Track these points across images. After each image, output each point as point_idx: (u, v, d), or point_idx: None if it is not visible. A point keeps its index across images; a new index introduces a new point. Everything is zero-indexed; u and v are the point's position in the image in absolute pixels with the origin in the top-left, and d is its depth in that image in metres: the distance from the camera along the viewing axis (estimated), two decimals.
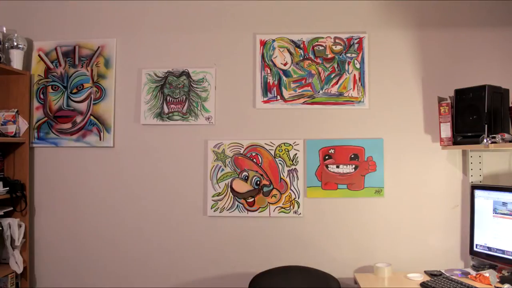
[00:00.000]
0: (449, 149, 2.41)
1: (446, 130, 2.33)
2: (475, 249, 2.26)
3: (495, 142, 2.01)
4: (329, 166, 2.48)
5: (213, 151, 2.52)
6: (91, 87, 2.60)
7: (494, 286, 2.01)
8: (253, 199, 2.49)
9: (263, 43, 2.53)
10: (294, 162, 2.49)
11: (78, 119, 2.60)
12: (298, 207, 2.47)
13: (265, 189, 2.49)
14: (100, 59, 2.60)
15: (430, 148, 2.45)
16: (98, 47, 2.61)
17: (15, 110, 2.53)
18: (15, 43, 2.50)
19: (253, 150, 2.51)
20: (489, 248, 2.19)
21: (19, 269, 2.39)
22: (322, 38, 2.51)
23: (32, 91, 2.62)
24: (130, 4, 2.62)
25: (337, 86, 2.49)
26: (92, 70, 2.61)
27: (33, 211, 2.62)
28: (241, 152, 2.51)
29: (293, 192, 2.48)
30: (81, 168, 2.61)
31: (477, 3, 2.46)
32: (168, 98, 2.56)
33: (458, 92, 2.26)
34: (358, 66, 2.49)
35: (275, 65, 2.53)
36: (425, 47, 2.49)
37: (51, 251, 2.60)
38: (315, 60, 2.51)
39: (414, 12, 2.50)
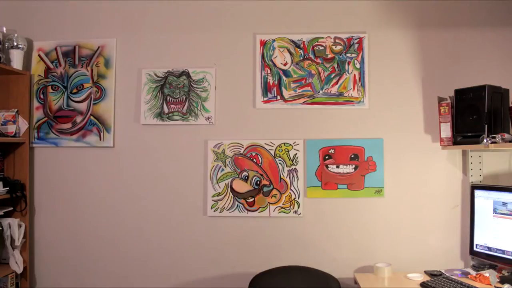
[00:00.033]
0: (449, 149, 2.41)
1: (446, 130, 2.33)
2: (475, 249, 2.26)
3: (495, 142, 2.01)
4: (329, 166, 2.48)
5: (213, 151, 2.52)
6: (91, 87, 2.60)
7: (494, 286, 2.01)
8: (253, 199, 2.49)
9: (263, 43, 2.53)
10: (294, 162, 2.49)
11: (78, 119, 2.60)
12: (298, 207, 2.47)
13: (265, 189, 2.49)
14: (100, 59, 2.60)
15: (430, 148, 2.45)
16: (98, 47, 2.61)
17: (15, 110, 2.53)
18: (15, 43, 2.50)
19: (253, 150, 2.51)
20: (489, 248, 2.19)
21: (19, 269, 2.39)
22: (322, 38, 2.51)
23: (32, 91, 2.62)
24: (130, 4, 2.62)
25: (337, 86, 2.49)
26: (92, 70, 2.61)
27: (33, 211, 2.62)
28: (241, 152, 2.51)
29: (293, 192, 2.48)
30: (81, 168, 2.61)
31: (477, 3, 2.46)
32: (168, 98, 2.56)
33: (458, 92, 2.26)
34: (358, 66, 2.49)
35: (275, 65, 2.53)
36: (425, 47, 2.49)
37: (51, 251, 2.60)
38: (315, 60, 2.51)
39: (414, 12, 2.50)
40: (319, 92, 2.50)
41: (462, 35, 2.47)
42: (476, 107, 2.14)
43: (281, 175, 2.49)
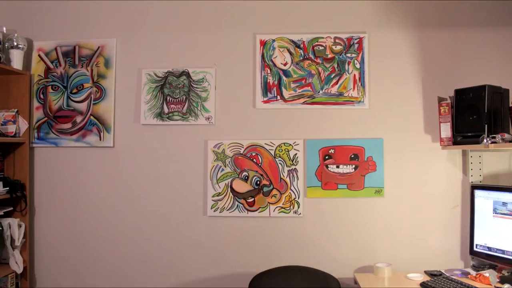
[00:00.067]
0: (449, 149, 2.41)
1: (446, 130, 2.33)
2: (475, 249, 2.26)
3: (495, 142, 2.01)
4: (329, 166, 2.48)
5: (213, 151, 2.52)
6: (91, 87, 2.60)
7: (494, 286, 2.01)
8: (253, 199, 2.49)
9: (263, 43, 2.53)
10: (294, 162, 2.49)
11: (78, 119, 2.60)
12: (298, 207, 2.47)
13: (265, 189, 2.49)
14: (100, 59, 2.60)
15: (430, 148, 2.45)
16: (98, 47, 2.61)
17: (15, 110, 2.53)
18: (15, 43, 2.50)
19: (253, 150, 2.51)
20: (489, 248, 2.19)
21: (19, 269, 2.39)
22: (322, 38, 2.51)
23: (32, 91, 2.62)
24: (130, 4, 2.62)
25: (337, 86, 2.49)
26: (92, 70, 2.61)
27: (33, 211, 2.62)
28: (241, 152, 2.51)
29: (293, 192, 2.48)
30: (81, 168, 2.61)
31: (477, 3, 2.46)
32: (168, 98, 2.56)
33: (458, 92, 2.26)
34: (358, 66, 2.49)
35: (275, 65, 2.53)
36: (425, 47, 2.49)
37: (51, 251, 2.60)
38: (315, 60, 2.51)
39: (414, 12, 2.50)
40: (319, 92, 2.50)
41: (462, 35, 2.47)
42: (476, 107, 2.14)
43: (281, 175, 2.49)
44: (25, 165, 2.53)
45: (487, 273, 2.10)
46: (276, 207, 2.48)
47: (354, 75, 2.49)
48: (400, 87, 2.49)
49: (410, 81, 2.48)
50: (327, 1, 2.53)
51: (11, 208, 2.46)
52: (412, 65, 2.49)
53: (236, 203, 2.50)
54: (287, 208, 2.48)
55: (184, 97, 2.55)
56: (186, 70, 2.56)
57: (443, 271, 2.26)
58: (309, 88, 2.51)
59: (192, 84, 2.55)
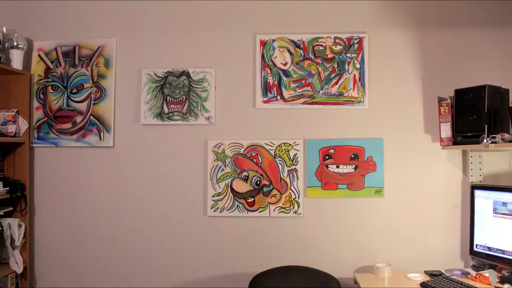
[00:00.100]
0: (449, 149, 2.41)
1: (446, 130, 2.33)
2: (475, 249, 2.26)
3: (495, 142, 2.01)
4: (329, 166, 2.48)
5: (213, 151, 2.52)
6: (91, 87, 2.60)
7: (494, 286, 2.01)
8: (253, 199, 2.49)
9: (263, 43, 2.53)
10: (294, 162, 2.49)
11: (78, 119, 2.60)
12: (298, 207, 2.47)
13: (265, 189, 2.49)
14: (100, 59, 2.60)
15: (430, 148, 2.45)
16: (98, 47, 2.61)
17: (15, 110, 2.53)
18: (15, 43, 2.50)
19: (253, 150, 2.51)
20: (489, 248, 2.19)
21: (19, 269, 2.39)
22: (322, 38, 2.51)
23: (32, 91, 2.62)
24: (130, 4, 2.62)
25: (337, 86, 2.49)
26: (92, 70, 2.61)
27: (33, 211, 2.62)
28: (241, 152, 2.51)
29: (293, 192, 2.48)
30: (81, 168, 2.61)
31: (477, 3, 2.46)
32: (168, 98, 2.56)
33: (458, 92, 2.26)
34: (358, 66, 2.49)
35: (275, 65, 2.53)
36: (425, 47, 2.49)
37: (51, 251, 2.60)
38: (315, 60, 2.51)
39: (414, 12, 2.50)
40: (319, 92, 2.50)
41: (462, 35, 2.47)
42: (476, 107, 2.14)
43: (281, 175, 2.49)
44: (25, 165, 2.53)
45: (487, 273, 2.10)
46: (276, 207, 2.48)
47: (354, 75, 2.49)
48: (400, 87, 2.49)
49: (410, 81, 2.48)
50: (327, 1, 2.53)
51: (11, 208, 2.46)
52: (412, 65, 2.49)
53: (236, 203, 2.50)
54: (287, 208, 2.48)
55: (184, 97, 2.55)
56: (186, 70, 2.56)
57: (443, 271, 2.26)
58: (309, 88, 2.51)
59: (192, 84, 2.55)
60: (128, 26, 2.61)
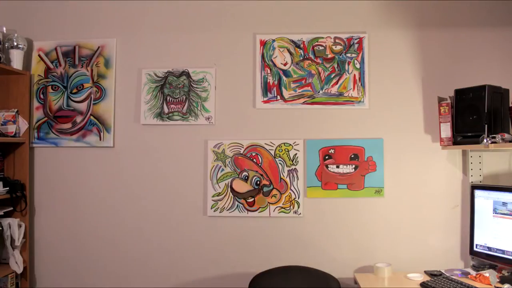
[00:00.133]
0: (449, 149, 2.41)
1: (446, 130, 2.33)
2: (475, 249, 2.26)
3: (495, 142, 2.01)
4: (329, 166, 2.48)
5: (213, 151, 2.52)
6: (91, 87, 2.60)
7: (494, 286, 2.01)
8: (253, 199, 2.49)
9: (263, 43, 2.53)
10: (294, 162, 2.49)
11: (78, 119, 2.60)
12: (298, 207, 2.47)
13: (265, 189, 2.49)
14: (100, 59, 2.60)
15: (430, 148, 2.45)
16: (98, 47, 2.61)
17: (15, 110, 2.53)
18: (15, 43, 2.50)
19: (253, 150, 2.51)
20: (489, 248, 2.19)
21: (19, 269, 2.39)
22: (322, 38, 2.51)
23: (32, 91, 2.62)
24: (130, 4, 2.62)
25: (337, 86, 2.49)
26: (92, 70, 2.61)
27: (33, 211, 2.62)
28: (241, 152, 2.51)
29: (293, 192, 2.48)
30: (81, 168, 2.61)
31: (477, 3, 2.47)
32: (168, 98, 2.56)
33: (458, 92, 2.26)
34: (358, 66, 2.49)
35: (275, 65, 2.53)
36: (425, 47, 2.49)
37: (51, 251, 2.60)
38: (315, 60, 2.51)
39: (414, 12, 2.50)
40: (319, 92, 2.50)
41: (462, 35, 2.47)
42: (476, 107, 2.14)
43: (281, 175, 2.49)
44: (25, 165, 2.53)
45: (487, 273, 2.10)
46: (276, 207, 2.48)
47: (354, 75, 2.49)
48: (400, 87, 2.49)
49: (410, 81, 2.48)
50: (327, 1, 2.53)
51: (11, 208, 2.46)
52: (412, 65, 2.49)
53: (236, 203, 2.50)
54: (287, 208, 2.48)
55: (184, 97, 2.55)
56: (186, 70, 2.56)
57: (443, 271, 2.26)
58: (309, 88, 2.51)
59: (192, 84, 2.55)
60: (128, 26, 2.61)
